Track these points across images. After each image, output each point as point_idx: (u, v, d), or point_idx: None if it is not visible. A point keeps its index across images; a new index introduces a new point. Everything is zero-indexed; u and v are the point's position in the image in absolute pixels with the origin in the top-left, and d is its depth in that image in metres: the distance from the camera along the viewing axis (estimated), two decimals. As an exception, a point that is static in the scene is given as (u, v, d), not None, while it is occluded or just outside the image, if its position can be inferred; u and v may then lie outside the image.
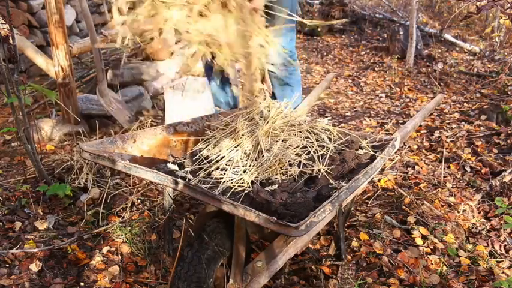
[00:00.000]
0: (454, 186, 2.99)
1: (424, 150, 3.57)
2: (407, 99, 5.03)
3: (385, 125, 4.16)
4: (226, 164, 1.73)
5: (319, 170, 1.71)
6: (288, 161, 1.73)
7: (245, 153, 1.76)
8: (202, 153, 1.84)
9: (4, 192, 2.61)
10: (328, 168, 1.72)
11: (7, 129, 2.98)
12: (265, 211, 1.36)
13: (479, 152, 3.45)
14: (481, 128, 3.97)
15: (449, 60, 6.40)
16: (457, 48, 7.32)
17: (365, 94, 5.40)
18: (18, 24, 4.78)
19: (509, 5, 2.71)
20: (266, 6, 2.09)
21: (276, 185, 1.61)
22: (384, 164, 2.23)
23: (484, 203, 2.77)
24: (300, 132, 1.88)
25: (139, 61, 4.66)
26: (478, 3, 2.92)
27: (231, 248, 1.68)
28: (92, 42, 3.52)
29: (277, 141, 1.79)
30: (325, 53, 7.64)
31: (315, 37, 8.75)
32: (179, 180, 1.44)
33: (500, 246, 2.38)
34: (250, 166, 1.70)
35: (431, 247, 2.35)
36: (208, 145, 1.89)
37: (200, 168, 1.76)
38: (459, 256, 2.28)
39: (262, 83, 2.66)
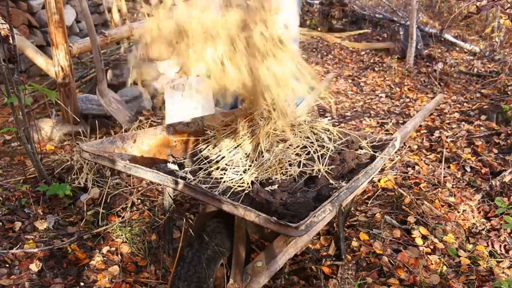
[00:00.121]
0: (454, 186, 2.99)
1: (424, 150, 3.57)
2: (407, 99, 5.03)
3: (385, 125, 4.16)
4: (226, 164, 1.73)
5: (319, 170, 1.71)
6: (288, 161, 1.73)
7: (245, 154, 1.76)
8: (203, 153, 1.84)
9: (4, 192, 2.61)
10: (328, 168, 1.72)
11: (7, 129, 2.98)
12: (265, 211, 1.36)
13: (479, 152, 3.45)
14: (481, 128, 3.97)
15: (449, 60, 6.40)
16: (457, 48, 7.31)
17: (365, 94, 5.40)
18: (18, 24, 4.78)
19: (509, 5, 2.71)
20: None
21: (276, 185, 1.61)
22: (384, 164, 2.22)
23: (484, 203, 2.77)
24: (300, 132, 1.88)
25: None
26: (478, 3, 2.92)
27: (231, 248, 1.68)
28: (91, 42, 3.52)
29: (277, 141, 1.79)
30: (325, 53, 7.64)
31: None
32: (179, 180, 1.44)
33: (500, 246, 2.38)
34: (250, 166, 1.70)
35: (431, 247, 2.35)
36: (208, 145, 1.89)
37: (200, 168, 1.76)
38: (459, 256, 2.28)
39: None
